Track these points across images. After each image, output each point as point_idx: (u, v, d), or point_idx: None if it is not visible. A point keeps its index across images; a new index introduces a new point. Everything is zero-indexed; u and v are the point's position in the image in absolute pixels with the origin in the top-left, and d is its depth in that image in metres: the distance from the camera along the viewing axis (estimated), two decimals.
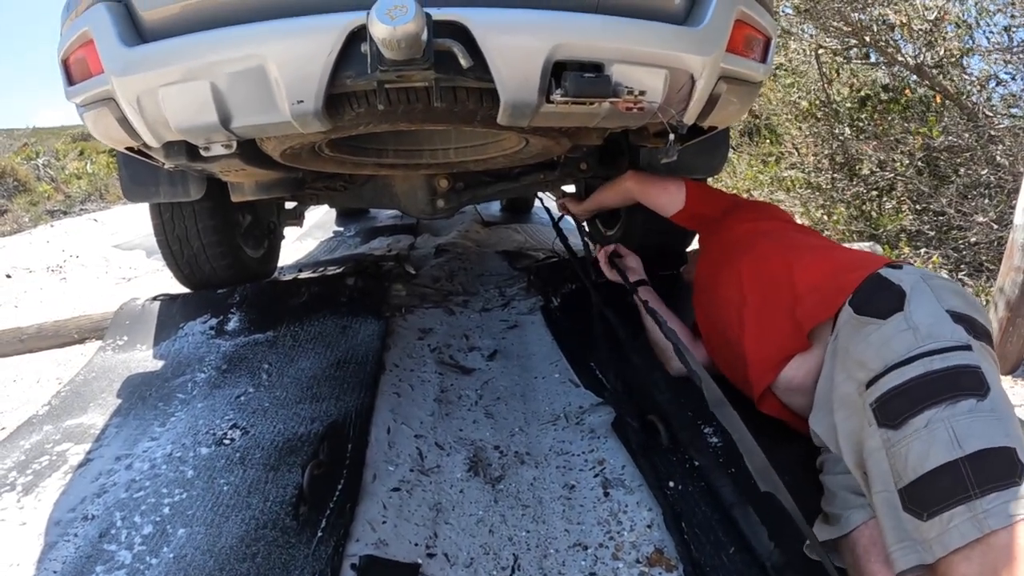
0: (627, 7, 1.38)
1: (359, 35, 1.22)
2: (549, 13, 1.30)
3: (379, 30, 1.08)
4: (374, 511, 1.29)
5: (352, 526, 1.22)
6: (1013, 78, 4.46)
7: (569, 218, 2.63)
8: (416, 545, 1.24)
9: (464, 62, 1.22)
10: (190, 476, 1.40)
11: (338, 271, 2.99)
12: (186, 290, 2.56)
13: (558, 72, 1.31)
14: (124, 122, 1.49)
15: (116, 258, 4.81)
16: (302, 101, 1.29)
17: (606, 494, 1.44)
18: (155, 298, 2.42)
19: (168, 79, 1.36)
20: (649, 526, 1.33)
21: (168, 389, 1.85)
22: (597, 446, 1.61)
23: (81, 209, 8.51)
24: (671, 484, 1.41)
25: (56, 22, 1.62)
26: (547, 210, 3.00)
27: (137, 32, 1.40)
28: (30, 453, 1.65)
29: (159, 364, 2.04)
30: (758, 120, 7.17)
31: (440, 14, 1.22)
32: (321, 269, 3.20)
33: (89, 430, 1.71)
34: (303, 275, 2.92)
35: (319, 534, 1.18)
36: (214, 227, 2.42)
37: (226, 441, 1.52)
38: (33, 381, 2.30)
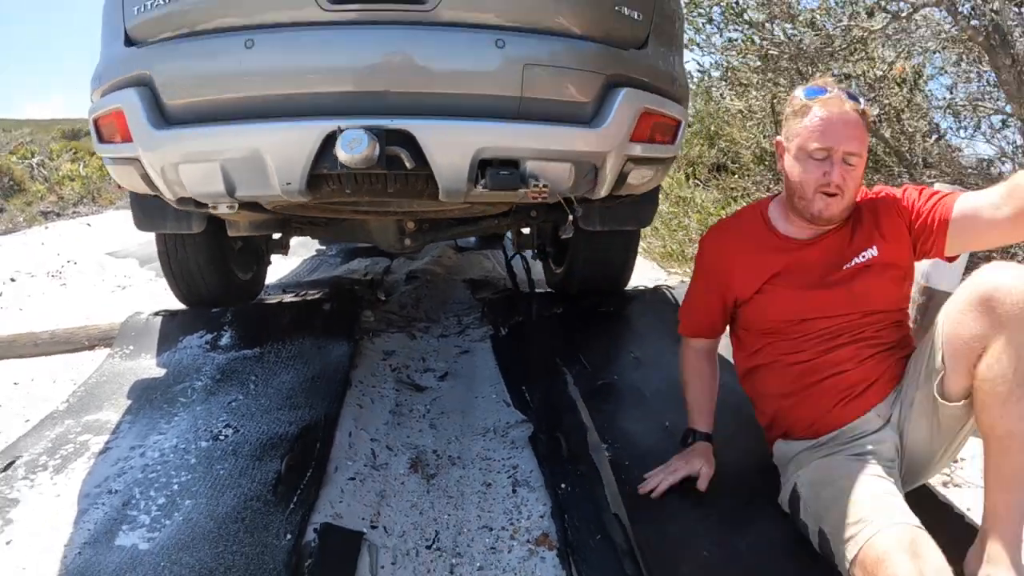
0: (543, 114, 1.79)
1: (333, 136, 1.63)
2: (476, 122, 1.73)
3: (342, 156, 1.54)
4: (334, 493, 1.70)
5: (316, 503, 1.63)
6: (955, 131, 4.90)
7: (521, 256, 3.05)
8: (363, 520, 1.66)
9: (408, 164, 1.64)
10: (193, 463, 1.80)
11: (316, 296, 3.40)
12: (183, 306, 2.95)
13: (484, 166, 1.74)
14: (146, 178, 1.89)
15: (111, 266, 5.16)
16: (290, 183, 1.72)
17: (514, 491, 1.86)
18: (157, 313, 2.81)
19: (187, 158, 1.78)
20: (542, 516, 1.74)
21: (171, 393, 2.24)
22: (515, 454, 2.04)
23: (74, 212, 8.81)
24: (562, 486, 1.81)
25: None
26: (503, 249, 3.42)
27: (163, 116, 1.79)
28: (56, 441, 2.02)
29: (162, 372, 2.43)
30: (726, 157, 7.66)
31: (392, 124, 1.64)
32: (302, 293, 3.60)
33: (105, 424, 2.09)
34: (287, 298, 3.32)
35: (291, 507, 1.59)
36: (210, 255, 2.81)
37: (221, 437, 1.92)
38: (49, 381, 2.66)
